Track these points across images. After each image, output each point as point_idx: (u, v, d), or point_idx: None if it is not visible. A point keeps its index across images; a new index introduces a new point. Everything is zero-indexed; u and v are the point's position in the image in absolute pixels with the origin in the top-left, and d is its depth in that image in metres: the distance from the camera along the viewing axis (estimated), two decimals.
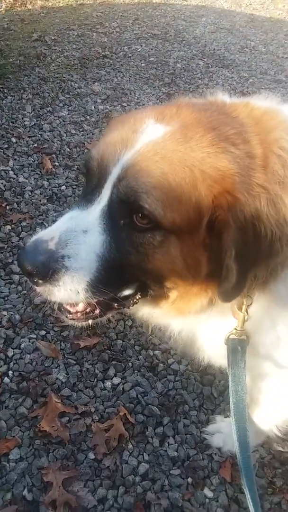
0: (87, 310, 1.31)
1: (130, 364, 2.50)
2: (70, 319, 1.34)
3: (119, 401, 2.33)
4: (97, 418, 2.25)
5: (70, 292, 1.15)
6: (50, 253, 1.12)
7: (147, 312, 1.45)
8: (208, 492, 2.05)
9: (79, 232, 1.14)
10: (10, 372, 2.41)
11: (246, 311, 1.28)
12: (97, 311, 1.30)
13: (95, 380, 2.41)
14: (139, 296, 1.33)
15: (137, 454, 2.14)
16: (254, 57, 6.80)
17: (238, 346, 1.34)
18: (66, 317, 1.35)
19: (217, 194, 1.11)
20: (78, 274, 1.13)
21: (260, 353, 1.46)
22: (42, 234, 1.17)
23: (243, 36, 7.69)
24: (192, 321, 1.40)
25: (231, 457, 2.13)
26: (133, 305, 1.34)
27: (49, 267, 1.12)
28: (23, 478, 2.02)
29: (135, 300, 1.33)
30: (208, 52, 6.77)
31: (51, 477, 2.01)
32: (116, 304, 1.32)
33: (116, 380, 2.42)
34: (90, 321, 1.33)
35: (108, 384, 2.40)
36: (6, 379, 2.37)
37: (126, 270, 1.20)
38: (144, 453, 2.15)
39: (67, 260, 1.12)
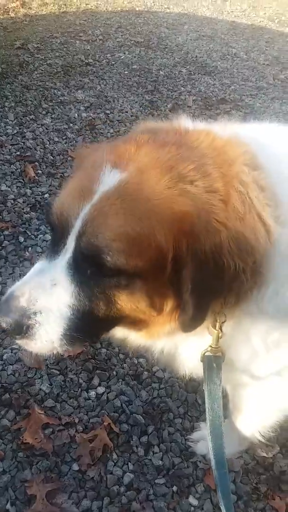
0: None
1: (114, 372, 2.50)
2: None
3: (103, 411, 2.32)
4: (81, 428, 2.23)
5: (46, 342, 1.21)
6: (22, 310, 1.17)
7: (122, 336, 1.48)
8: (193, 500, 2.04)
9: (48, 285, 1.18)
10: None
11: (220, 328, 1.30)
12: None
13: (79, 390, 2.40)
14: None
15: (121, 464, 2.13)
16: (235, 64, 6.89)
17: (214, 363, 1.37)
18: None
19: (176, 238, 1.13)
20: (51, 327, 1.19)
21: (237, 368, 1.48)
22: (13, 289, 1.21)
23: (225, 43, 7.79)
24: (172, 339, 1.42)
25: None
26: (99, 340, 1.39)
27: (23, 324, 1.18)
28: (6, 491, 1.99)
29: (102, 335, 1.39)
30: (191, 59, 6.84)
31: (34, 489, 1.99)
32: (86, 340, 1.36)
33: (101, 390, 2.41)
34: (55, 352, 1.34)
35: (92, 393, 2.39)
36: None
37: (96, 316, 1.23)
38: (129, 463, 2.14)
39: (39, 315, 1.18)
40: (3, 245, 3.20)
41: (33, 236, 3.32)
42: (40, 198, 3.67)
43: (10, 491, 1.99)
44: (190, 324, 1.23)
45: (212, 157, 1.25)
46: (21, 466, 2.08)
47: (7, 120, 4.64)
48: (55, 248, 1.22)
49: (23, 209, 3.55)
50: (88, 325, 1.24)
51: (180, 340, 1.43)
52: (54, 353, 1.29)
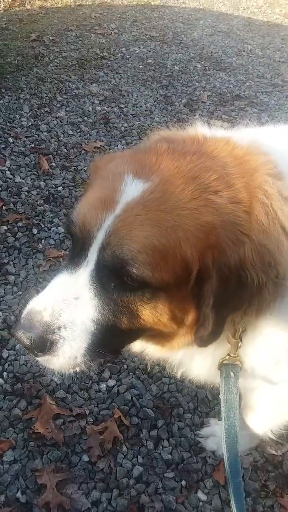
0: None
1: (125, 366, 2.50)
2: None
3: (113, 404, 2.33)
4: (91, 420, 2.25)
5: (68, 359, 1.17)
6: (46, 325, 1.13)
7: (140, 349, 1.48)
8: (201, 495, 2.05)
9: (71, 299, 1.15)
10: (5, 374, 2.40)
11: (240, 338, 1.30)
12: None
13: (90, 382, 2.41)
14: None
15: (131, 457, 2.14)
16: (251, 61, 6.83)
17: (231, 372, 1.36)
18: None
19: (202, 250, 1.11)
20: (76, 343, 1.15)
21: (256, 375, 1.47)
22: (35, 304, 1.17)
23: (240, 39, 7.72)
24: (189, 350, 1.40)
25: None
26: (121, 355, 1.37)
27: (47, 340, 1.14)
28: (16, 480, 2.02)
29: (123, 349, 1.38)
30: (206, 55, 6.79)
31: (45, 479, 2.01)
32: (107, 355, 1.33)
33: (111, 383, 2.42)
34: (77, 369, 1.30)
35: (103, 386, 2.40)
36: (0, 381, 2.36)
37: (120, 330, 1.21)
38: (139, 456, 2.15)
39: (63, 330, 1.14)
40: (16, 236, 3.22)
41: (46, 229, 3.33)
42: (54, 191, 3.68)
43: (21, 480, 2.02)
44: (208, 339, 1.21)
45: (233, 166, 1.22)
46: (32, 455, 2.10)
47: (22, 112, 4.66)
48: (75, 259, 1.18)
49: (36, 201, 3.56)
50: (111, 339, 1.21)
51: (197, 349, 1.41)
52: (76, 370, 1.25)
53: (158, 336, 1.31)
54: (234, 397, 1.36)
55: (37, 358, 1.21)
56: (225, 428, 1.34)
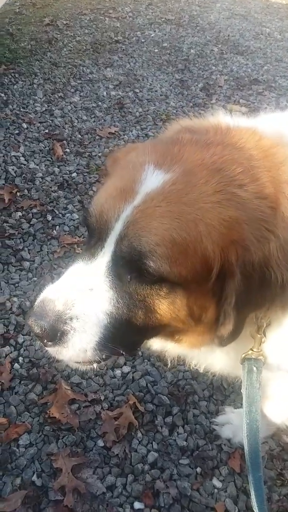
0: None
1: (140, 353, 2.49)
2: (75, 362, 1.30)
3: (128, 390, 2.32)
4: (106, 406, 2.25)
5: (78, 351, 1.14)
6: (58, 314, 1.10)
7: (160, 346, 1.44)
8: (216, 482, 2.04)
9: (85, 290, 1.12)
10: (21, 358, 2.41)
11: (264, 333, 1.27)
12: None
13: (105, 368, 2.41)
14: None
15: (146, 443, 2.14)
16: (269, 44, 6.65)
17: (254, 367, 1.33)
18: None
19: (224, 246, 1.07)
20: (86, 335, 1.12)
21: (279, 368, 1.44)
22: (48, 292, 1.14)
23: (258, 22, 7.52)
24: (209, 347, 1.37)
25: (241, 448, 2.12)
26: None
27: (58, 330, 1.11)
28: (32, 463, 2.03)
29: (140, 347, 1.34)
30: (223, 38, 6.63)
31: (60, 463, 2.02)
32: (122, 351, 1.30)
33: (126, 369, 2.41)
34: (95, 365, 1.28)
35: (118, 372, 2.39)
36: (16, 365, 2.38)
37: (134, 325, 1.17)
38: (153, 442, 2.14)
39: (75, 321, 1.11)
40: (31, 222, 3.21)
41: (60, 215, 3.31)
42: (68, 177, 3.66)
43: (37, 463, 2.03)
44: (228, 338, 1.18)
45: (259, 159, 1.17)
46: (48, 439, 2.11)
47: (36, 97, 4.62)
48: (92, 250, 1.15)
49: (51, 187, 3.54)
50: (125, 335, 1.17)
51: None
52: (86, 364, 1.22)
53: (175, 333, 1.27)
54: (256, 392, 1.33)
55: (47, 348, 1.18)
56: (247, 423, 1.32)
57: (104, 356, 1.19)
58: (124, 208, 1.09)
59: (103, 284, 1.13)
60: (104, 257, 1.13)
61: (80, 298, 1.11)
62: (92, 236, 1.18)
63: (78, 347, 1.13)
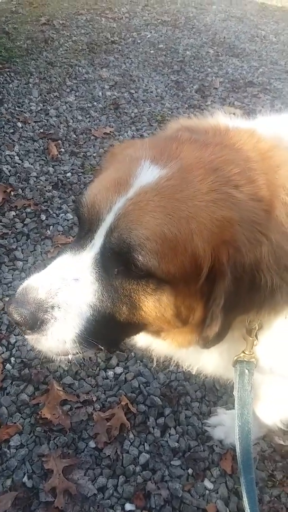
0: None
1: (132, 354, 2.49)
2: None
3: (121, 391, 2.32)
4: (98, 407, 2.24)
5: (57, 341, 1.12)
6: (39, 302, 1.08)
7: (145, 345, 1.43)
8: (208, 484, 2.04)
9: (70, 280, 1.10)
10: (12, 359, 2.40)
11: (256, 336, 1.26)
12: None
13: (97, 369, 2.40)
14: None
15: (138, 444, 2.13)
16: (264, 47, 6.69)
17: (246, 369, 1.32)
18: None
19: (215, 246, 1.06)
20: (67, 325, 1.10)
21: (273, 372, 1.44)
22: (32, 280, 1.13)
23: (253, 25, 7.56)
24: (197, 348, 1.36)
25: (232, 450, 2.12)
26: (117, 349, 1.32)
27: (37, 318, 1.08)
28: (23, 465, 2.02)
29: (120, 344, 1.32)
30: (218, 40, 6.66)
31: (51, 464, 2.01)
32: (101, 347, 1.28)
33: (119, 370, 2.41)
34: (70, 356, 1.24)
35: (110, 373, 2.39)
36: (8, 366, 2.36)
37: (117, 321, 1.15)
38: (145, 443, 2.14)
39: (56, 310, 1.09)
40: (25, 222, 3.20)
41: (54, 215, 3.30)
42: (63, 177, 3.65)
43: (28, 464, 2.02)
44: (213, 340, 1.16)
45: (257, 161, 1.16)
46: (39, 440, 2.10)
47: (31, 96, 4.61)
48: (81, 241, 1.14)
49: (45, 187, 3.53)
50: (106, 330, 1.16)
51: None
52: (63, 357, 1.19)
53: (160, 332, 1.26)
54: (248, 394, 1.33)
55: (26, 336, 1.16)
56: (239, 425, 1.32)
57: (82, 350, 1.16)
58: (117, 200, 1.08)
59: (89, 276, 1.11)
60: (93, 249, 1.12)
61: (64, 288, 1.09)
62: (82, 227, 1.17)
63: (57, 337, 1.11)
